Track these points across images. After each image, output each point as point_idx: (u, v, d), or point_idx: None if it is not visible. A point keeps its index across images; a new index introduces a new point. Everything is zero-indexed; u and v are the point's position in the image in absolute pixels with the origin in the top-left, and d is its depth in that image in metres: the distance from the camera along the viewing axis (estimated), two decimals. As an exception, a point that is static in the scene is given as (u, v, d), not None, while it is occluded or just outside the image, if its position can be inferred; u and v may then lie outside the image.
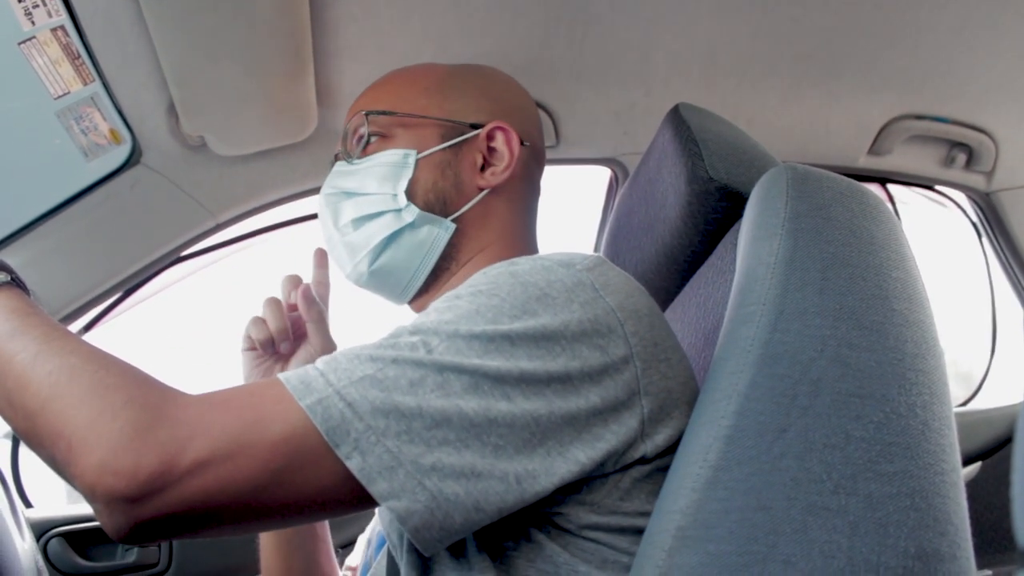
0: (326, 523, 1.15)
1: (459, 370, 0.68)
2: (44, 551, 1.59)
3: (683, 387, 0.78)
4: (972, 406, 2.38)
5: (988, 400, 2.39)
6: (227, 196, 1.64)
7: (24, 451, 1.69)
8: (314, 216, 1.77)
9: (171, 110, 1.47)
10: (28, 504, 1.70)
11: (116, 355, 0.71)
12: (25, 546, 1.12)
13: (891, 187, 2.16)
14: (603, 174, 1.98)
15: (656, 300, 0.83)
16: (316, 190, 1.68)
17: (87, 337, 1.64)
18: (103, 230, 1.57)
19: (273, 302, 1.09)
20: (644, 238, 1.12)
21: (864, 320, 0.73)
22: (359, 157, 1.03)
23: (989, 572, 2.02)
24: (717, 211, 1.00)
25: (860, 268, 0.76)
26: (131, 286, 1.67)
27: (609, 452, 0.71)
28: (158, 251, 1.63)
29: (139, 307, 1.78)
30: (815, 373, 0.70)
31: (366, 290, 1.08)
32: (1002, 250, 2.21)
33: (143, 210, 1.59)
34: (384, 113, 1.03)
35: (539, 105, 1.71)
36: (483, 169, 1.03)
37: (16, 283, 0.78)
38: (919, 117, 1.91)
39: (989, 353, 2.39)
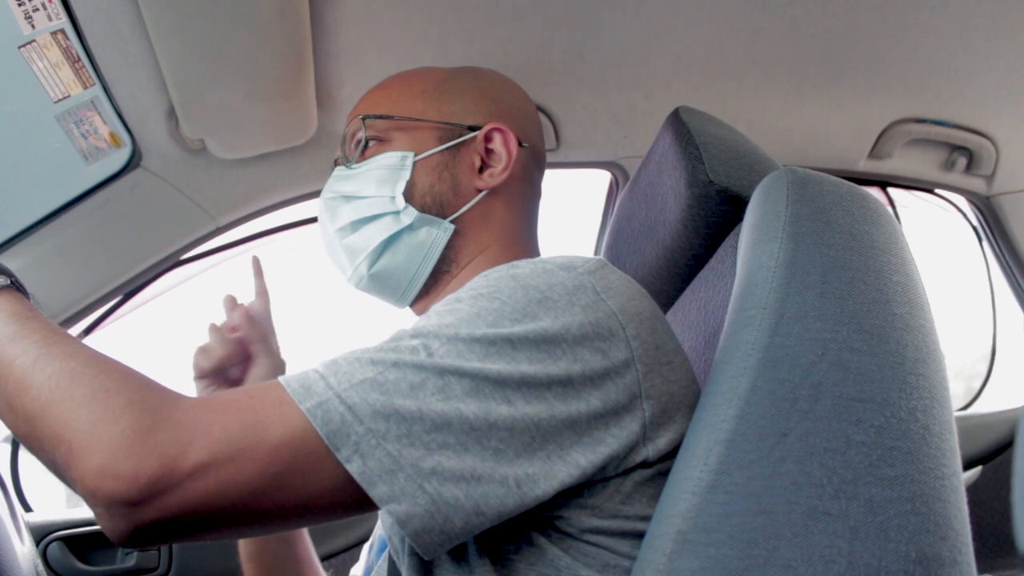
0: (308, 543, 1.17)
1: (460, 373, 0.68)
2: (44, 555, 1.59)
3: (685, 390, 0.78)
4: (973, 410, 2.38)
5: (989, 404, 2.38)
6: (227, 199, 1.64)
7: (24, 455, 1.69)
8: (314, 220, 1.77)
9: (171, 113, 1.47)
10: (28, 508, 1.70)
11: (116, 359, 0.71)
12: (25, 550, 1.12)
13: (891, 191, 2.16)
14: (603, 178, 1.98)
15: (657, 303, 0.83)
16: (316, 193, 1.68)
17: (87, 341, 1.65)
18: (103, 233, 1.57)
19: (215, 329, 1.10)
20: (644, 242, 1.12)
21: (865, 324, 0.73)
22: (357, 161, 1.04)
23: (990, 576, 2.02)
24: (717, 214, 1.00)
25: (861, 272, 0.76)
26: (131, 289, 1.67)
27: (610, 456, 0.71)
28: (158, 254, 1.63)
29: (139, 311, 1.78)
30: (816, 377, 0.70)
31: (367, 293, 1.08)
32: (1002, 254, 2.21)
33: (143, 213, 1.59)
34: (381, 117, 1.04)
35: (539, 108, 1.71)
36: (481, 171, 1.03)
37: (16, 287, 0.78)
38: (919, 121, 1.91)
39: (990, 357, 2.38)
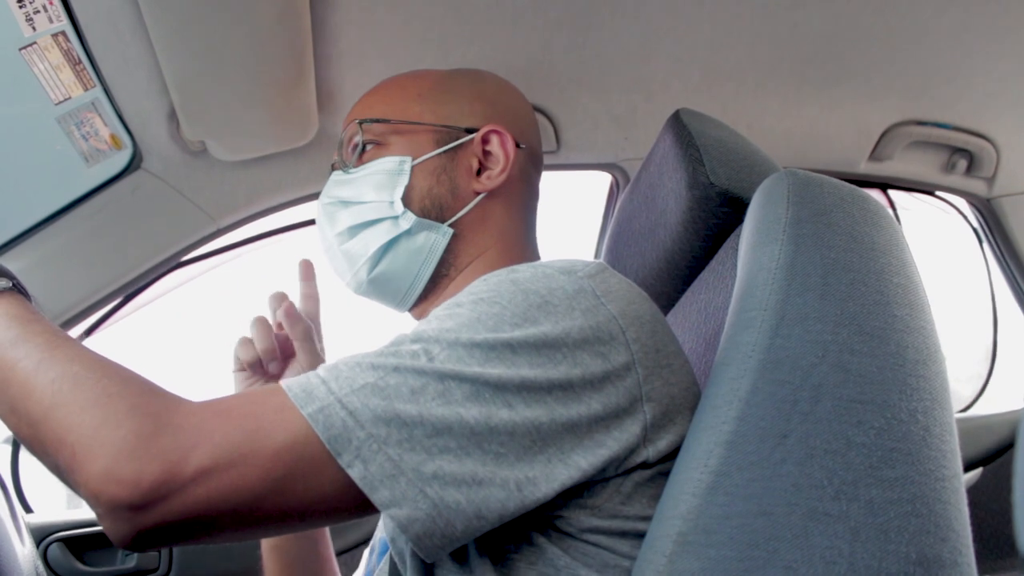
0: (329, 542, 1.16)
1: (460, 378, 0.68)
2: (44, 556, 1.59)
3: (686, 393, 0.78)
4: (973, 412, 2.38)
5: (989, 406, 2.38)
6: (228, 201, 1.64)
7: (24, 456, 1.69)
8: (315, 221, 1.77)
9: (172, 115, 1.47)
10: (28, 509, 1.70)
11: (119, 362, 0.72)
12: (25, 551, 1.12)
13: (892, 193, 2.16)
14: (604, 180, 1.98)
15: (657, 305, 0.83)
16: (317, 195, 1.67)
17: (88, 342, 1.65)
18: (104, 235, 1.57)
19: (260, 321, 1.09)
20: (645, 244, 1.12)
21: (865, 326, 0.73)
22: (355, 166, 1.04)
23: (990, 578, 2.02)
24: (718, 216, 1.00)
25: (861, 274, 0.76)
26: (132, 291, 1.67)
27: (610, 458, 0.71)
28: (159, 256, 1.63)
29: (140, 312, 1.78)
30: (816, 379, 0.70)
31: (367, 298, 1.08)
32: (1003, 256, 2.21)
33: (144, 215, 1.59)
34: (378, 121, 1.03)
35: (540, 110, 1.71)
36: (479, 173, 1.03)
37: (18, 289, 0.79)
38: (920, 123, 1.91)
39: (990, 359, 2.38)
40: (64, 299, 1.58)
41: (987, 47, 1.68)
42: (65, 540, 1.61)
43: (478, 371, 0.68)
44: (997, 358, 2.38)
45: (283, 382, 0.70)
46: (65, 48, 1.30)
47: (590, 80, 1.66)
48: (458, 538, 0.68)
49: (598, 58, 1.61)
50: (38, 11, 1.24)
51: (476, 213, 1.02)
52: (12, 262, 1.50)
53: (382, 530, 1.01)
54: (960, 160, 2.02)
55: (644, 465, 0.74)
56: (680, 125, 1.06)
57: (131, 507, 0.63)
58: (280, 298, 1.09)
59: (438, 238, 1.01)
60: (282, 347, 1.09)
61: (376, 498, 0.65)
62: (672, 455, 0.75)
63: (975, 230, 2.25)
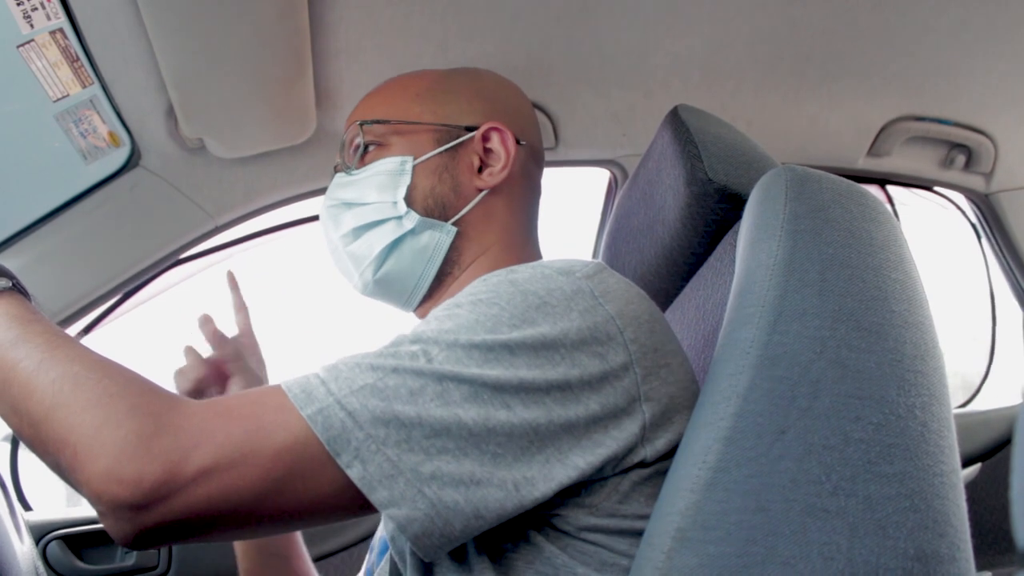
0: (305, 557, 1.18)
1: (459, 379, 0.69)
2: (43, 554, 1.59)
3: (685, 391, 0.78)
4: (971, 407, 2.38)
5: (987, 402, 2.39)
6: (226, 199, 1.64)
7: (23, 454, 1.69)
8: (314, 218, 1.77)
9: (170, 113, 1.47)
10: (27, 507, 1.70)
11: (119, 362, 0.72)
12: (24, 549, 1.12)
13: (890, 188, 2.16)
14: (602, 176, 1.98)
15: (656, 302, 0.83)
16: (315, 192, 1.69)
17: (86, 339, 1.65)
18: (102, 233, 1.57)
19: (190, 351, 1.12)
20: (643, 240, 1.12)
21: (863, 322, 0.73)
22: (357, 167, 1.04)
23: (989, 573, 2.02)
24: (716, 213, 1.00)
25: (859, 269, 0.76)
26: (130, 288, 1.67)
27: (609, 458, 0.71)
28: (157, 253, 1.63)
29: (138, 310, 1.78)
30: (814, 375, 0.70)
31: (373, 299, 1.08)
32: (1001, 251, 2.21)
33: (142, 213, 1.59)
34: (378, 122, 1.04)
35: (538, 107, 1.71)
36: (480, 171, 1.03)
37: (18, 289, 0.79)
38: (918, 119, 1.91)
39: (988, 354, 2.39)
40: (63, 296, 1.58)
41: (985, 43, 1.68)
42: (64, 538, 1.61)
43: (476, 372, 0.69)
44: (995, 353, 2.38)
45: (283, 383, 0.70)
46: (63, 45, 1.30)
47: (589, 77, 1.66)
48: (457, 537, 0.68)
49: (597, 55, 1.61)
50: (36, 8, 1.24)
51: (479, 210, 1.02)
52: (11, 260, 1.50)
53: (383, 529, 1.02)
54: (958, 156, 2.02)
55: (642, 464, 0.74)
56: (678, 121, 1.06)
57: (133, 506, 0.64)
58: (204, 320, 1.12)
59: (442, 236, 1.01)
60: (219, 369, 1.11)
61: (375, 498, 0.66)
62: (670, 454, 0.75)
63: (973, 225, 2.25)
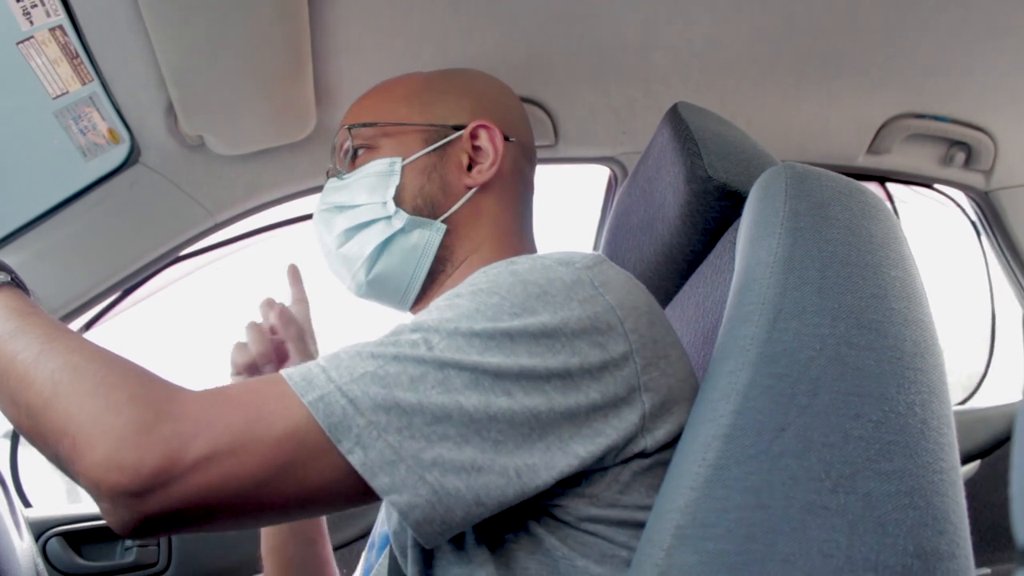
0: (328, 544, 1.18)
1: (460, 367, 0.69)
2: (43, 551, 1.59)
3: (683, 384, 0.78)
4: (971, 404, 2.38)
5: (987, 399, 2.39)
6: (226, 196, 1.64)
7: (23, 450, 1.69)
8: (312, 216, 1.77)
9: (170, 110, 1.47)
10: (27, 504, 1.70)
11: (118, 354, 0.72)
12: (24, 546, 1.12)
13: (890, 186, 2.16)
14: (602, 173, 1.97)
15: (655, 299, 0.83)
16: (315, 189, 1.69)
17: (86, 336, 1.64)
18: (102, 229, 1.57)
19: (253, 326, 1.11)
20: (643, 237, 1.12)
21: (863, 319, 0.73)
22: (348, 171, 1.05)
23: (988, 570, 2.03)
24: (716, 210, 1.00)
25: (859, 267, 0.76)
26: (130, 285, 1.67)
27: (609, 447, 0.72)
28: (157, 250, 1.63)
29: (138, 306, 1.78)
30: (814, 372, 0.70)
31: (368, 300, 1.09)
32: (1001, 248, 2.21)
33: (142, 210, 1.59)
34: (366, 125, 1.05)
35: (538, 104, 1.71)
36: (470, 169, 1.04)
37: (16, 283, 0.79)
38: (918, 116, 1.91)
39: (988, 352, 2.39)
40: (63, 293, 1.58)
41: (985, 41, 1.68)
42: (64, 534, 1.62)
43: (477, 360, 0.69)
44: (995, 351, 2.38)
45: (283, 371, 0.70)
46: (63, 42, 1.30)
47: (588, 74, 1.66)
48: (458, 524, 0.68)
49: (596, 52, 1.61)
50: (35, 5, 1.24)
51: (469, 208, 1.03)
52: (10, 256, 1.49)
53: (381, 525, 1.02)
54: (958, 153, 2.02)
55: (642, 455, 0.74)
56: (678, 119, 1.06)
57: (132, 494, 0.64)
58: (271, 303, 1.12)
59: (432, 235, 1.02)
60: (275, 351, 1.11)
61: (376, 484, 0.66)
62: (670, 445, 0.75)
63: (973, 223, 2.25)
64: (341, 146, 1.08)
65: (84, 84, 1.38)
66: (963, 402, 2.38)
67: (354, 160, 1.06)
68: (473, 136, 1.05)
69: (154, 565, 1.64)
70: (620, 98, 1.74)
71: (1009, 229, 2.17)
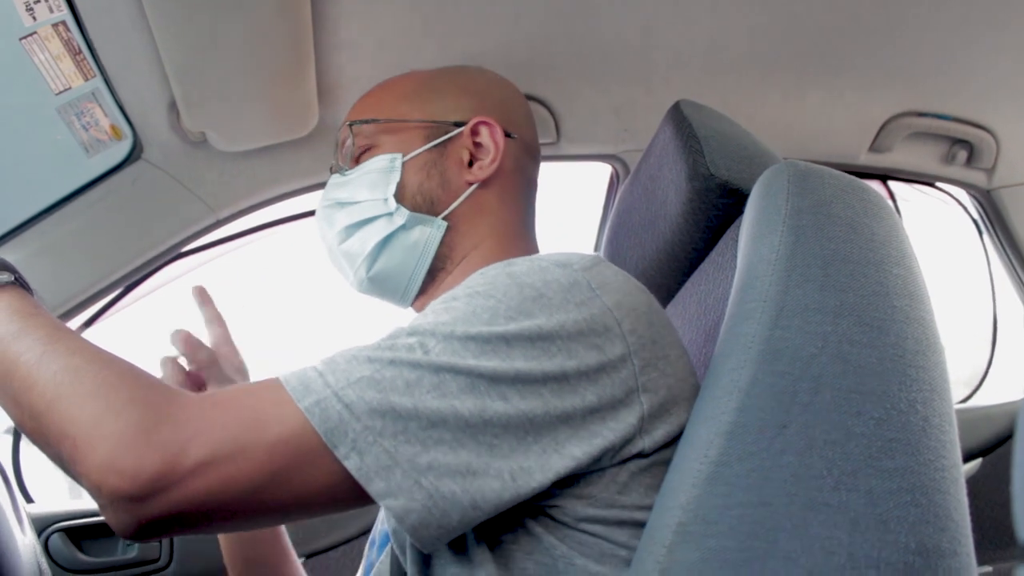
0: (293, 560, 1.19)
1: (455, 371, 0.69)
2: (45, 546, 1.59)
3: (683, 383, 0.78)
4: (973, 402, 2.38)
5: (989, 397, 2.39)
6: (228, 192, 1.64)
7: (25, 446, 1.69)
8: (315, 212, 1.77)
9: (172, 106, 1.47)
10: (29, 499, 1.71)
11: (120, 356, 0.72)
12: (26, 541, 1.12)
13: (892, 184, 2.16)
14: (604, 171, 1.97)
15: (657, 297, 0.83)
16: (317, 186, 1.69)
17: (88, 333, 1.65)
18: (104, 226, 1.57)
19: (166, 362, 1.10)
20: (645, 235, 1.12)
21: (865, 317, 0.73)
22: (350, 167, 1.05)
23: (990, 568, 2.03)
24: (718, 208, 1.00)
25: (861, 265, 0.76)
26: (132, 282, 1.67)
27: (606, 448, 0.72)
28: (159, 247, 1.63)
29: (140, 303, 1.78)
30: (816, 370, 0.70)
31: (370, 296, 1.09)
32: (1003, 247, 2.21)
33: (144, 206, 1.59)
34: (368, 122, 1.05)
35: (540, 102, 1.71)
36: (471, 165, 1.04)
37: (19, 283, 0.79)
38: (920, 114, 1.91)
39: (990, 350, 2.39)
40: (64, 290, 1.58)
41: (987, 38, 1.67)
42: (66, 530, 1.62)
43: (473, 364, 0.69)
44: (997, 349, 2.38)
45: (281, 376, 0.70)
46: (65, 38, 1.30)
47: (590, 72, 1.66)
48: (455, 528, 0.68)
49: (598, 50, 1.61)
50: (38, 1, 1.24)
51: (470, 205, 1.03)
52: (12, 252, 1.50)
53: (382, 523, 1.02)
54: (960, 151, 2.02)
55: (640, 455, 0.74)
56: (680, 116, 1.06)
57: (131, 498, 0.64)
58: (176, 336, 1.11)
59: (432, 231, 1.02)
60: (196, 378, 1.11)
61: (372, 489, 0.66)
62: (668, 445, 0.75)
63: (975, 221, 2.25)
64: (343, 143, 1.08)
65: (87, 80, 1.38)
66: (965, 400, 2.38)
67: (356, 157, 1.07)
68: (474, 132, 1.05)
69: (156, 561, 1.64)
70: (622, 96, 1.74)
71: (1011, 227, 2.17)
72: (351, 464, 0.66)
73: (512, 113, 1.09)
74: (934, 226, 2.37)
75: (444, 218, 1.03)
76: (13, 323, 0.74)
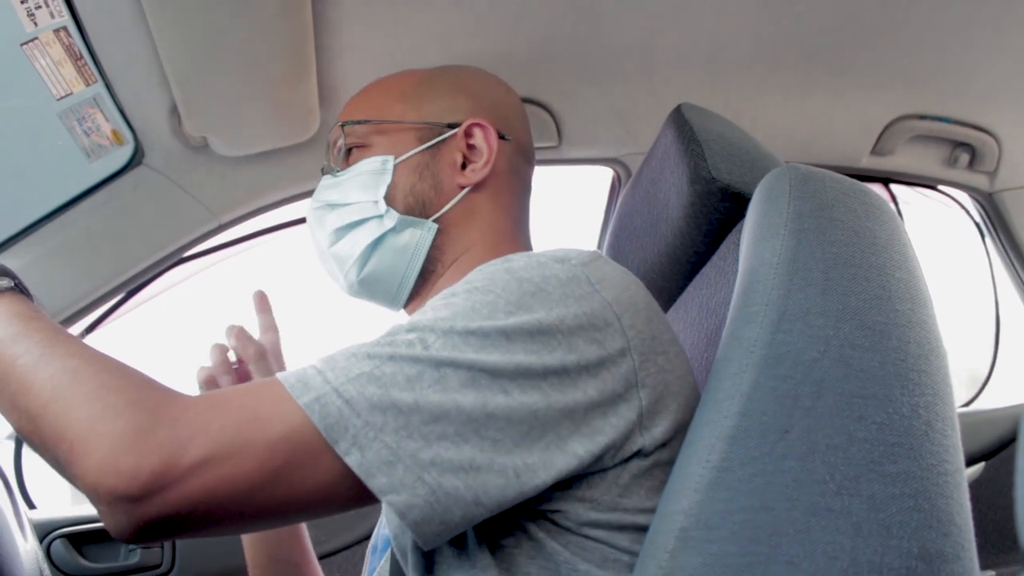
0: (317, 568, 1.19)
1: (456, 365, 0.69)
2: (47, 552, 1.59)
3: (680, 381, 0.78)
4: (975, 407, 2.38)
5: (991, 401, 2.38)
6: (229, 197, 1.64)
7: (27, 452, 1.69)
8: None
9: (173, 111, 1.47)
10: (31, 505, 1.70)
11: (117, 358, 0.72)
12: (28, 547, 1.12)
13: (894, 187, 2.15)
14: (606, 174, 1.97)
15: (659, 301, 0.83)
16: (318, 191, 1.68)
17: (89, 338, 1.65)
18: (105, 231, 1.58)
19: (216, 347, 1.12)
20: (647, 239, 1.12)
21: (867, 321, 0.73)
22: (341, 168, 1.05)
23: (992, 572, 2.02)
24: (720, 212, 1.00)
25: (863, 268, 0.76)
26: (133, 287, 1.67)
27: (607, 445, 0.71)
28: (160, 252, 1.63)
29: (141, 308, 1.78)
30: (818, 374, 0.70)
31: (361, 299, 1.09)
32: (1005, 250, 2.21)
33: (145, 211, 1.59)
34: (360, 123, 1.04)
35: (541, 105, 1.71)
36: (464, 167, 1.03)
37: (19, 288, 0.79)
38: (922, 117, 1.91)
39: (992, 353, 2.38)
40: (66, 295, 1.58)
41: (990, 42, 1.67)
42: (68, 536, 1.62)
43: (473, 358, 0.69)
44: (999, 353, 2.38)
45: (279, 374, 0.70)
46: (67, 43, 1.30)
47: (592, 74, 1.66)
48: (457, 524, 0.68)
49: (600, 52, 1.61)
50: (40, 6, 1.24)
51: (462, 208, 1.03)
52: (14, 258, 1.50)
53: (383, 528, 1.02)
54: (962, 154, 2.02)
55: (640, 455, 0.74)
56: (682, 120, 1.06)
57: (129, 499, 0.63)
58: (231, 328, 1.12)
59: (423, 234, 1.02)
60: (242, 369, 1.12)
61: (373, 485, 0.66)
62: (667, 445, 0.75)
63: (977, 224, 2.25)
64: (335, 143, 1.07)
65: (88, 85, 1.38)
66: (967, 404, 2.38)
67: (348, 157, 1.06)
68: (468, 135, 1.04)
69: (157, 567, 1.64)
70: (624, 99, 1.74)
71: (1013, 230, 2.17)
72: (352, 460, 0.65)
73: (507, 115, 1.08)
74: (936, 229, 2.37)
75: (435, 221, 1.02)
76: (12, 326, 0.74)
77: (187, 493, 0.64)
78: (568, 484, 0.72)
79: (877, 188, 2.07)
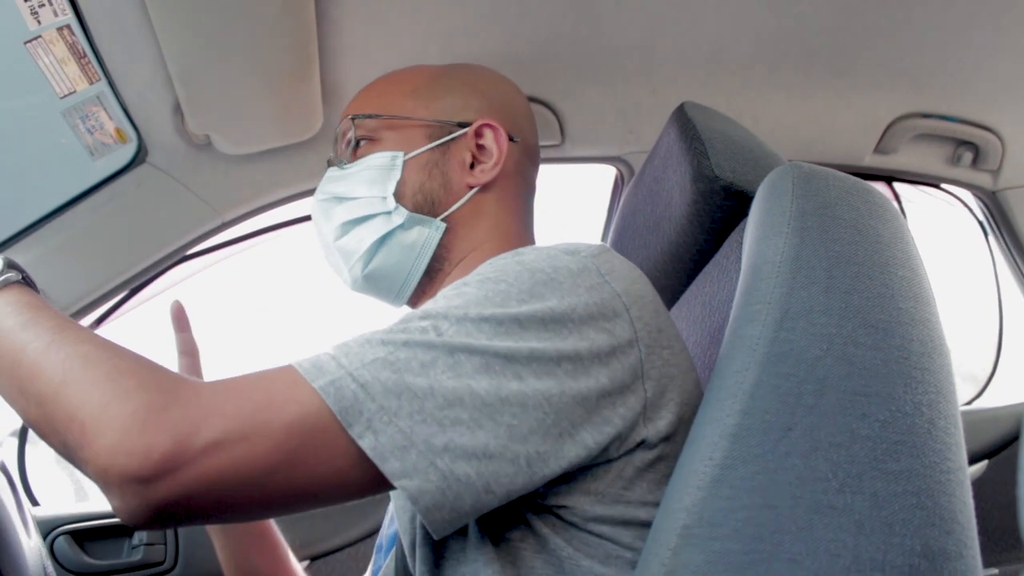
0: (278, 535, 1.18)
1: (470, 351, 0.69)
2: (51, 549, 1.60)
3: (683, 376, 0.79)
4: (978, 404, 2.38)
5: (994, 399, 2.38)
6: (233, 195, 1.65)
7: (31, 449, 1.70)
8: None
9: (177, 109, 1.47)
10: (35, 502, 1.71)
11: (127, 346, 0.72)
12: (31, 544, 1.13)
13: (897, 185, 2.15)
14: (608, 173, 1.97)
15: (662, 299, 0.83)
16: (322, 189, 1.68)
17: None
18: (109, 229, 1.58)
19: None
20: (650, 237, 1.12)
21: (870, 319, 0.73)
22: (349, 161, 1.05)
23: (996, 570, 2.02)
24: (723, 210, 1.00)
25: (866, 267, 0.76)
26: (136, 285, 1.67)
27: (614, 435, 0.72)
28: (163, 250, 1.64)
29: (144, 306, 1.78)
30: (821, 372, 0.70)
31: (364, 294, 1.09)
32: (1008, 248, 2.21)
33: (148, 209, 1.59)
34: (370, 116, 1.04)
35: (544, 104, 1.71)
36: (472, 167, 1.03)
37: (27, 281, 0.80)
38: (925, 115, 1.90)
39: (995, 351, 2.38)
40: (70, 292, 1.58)
41: (993, 40, 1.67)
42: (72, 533, 1.62)
43: (487, 344, 0.69)
44: (1002, 350, 2.38)
45: (294, 360, 0.70)
46: (70, 42, 1.30)
47: (595, 73, 1.66)
48: (467, 512, 0.68)
49: (603, 51, 1.61)
50: (43, 4, 1.24)
51: (469, 207, 1.03)
52: (18, 255, 1.50)
53: (388, 527, 1.02)
54: (965, 153, 2.02)
55: (644, 446, 0.74)
56: (685, 118, 1.06)
57: (140, 479, 0.63)
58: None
59: (431, 232, 1.02)
60: None
61: (387, 469, 0.65)
62: (671, 439, 0.76)
63: (980, 223, 2.25)
64: (343, 135, 1.07)
65: (91, 83, 1.38)
66: (970, 402, 2.38)
67: (356, 150, 1.06)
68: (478, 135, 1.04)
69: (161, 564, 1.65)
70: (627, 97, 1.74)
71: (1016, 229, 2.17)
72: (366, 443, 0.65)
73: (515, 116, 1.09)
74: (939, 228, 2.37)
75: (443, 219, 1.02)
76: (21, 314, 0.74)
77: (200, 474, 0.64)
78: (573, 476, 0.72)
79: (880, 186, 2.07)
